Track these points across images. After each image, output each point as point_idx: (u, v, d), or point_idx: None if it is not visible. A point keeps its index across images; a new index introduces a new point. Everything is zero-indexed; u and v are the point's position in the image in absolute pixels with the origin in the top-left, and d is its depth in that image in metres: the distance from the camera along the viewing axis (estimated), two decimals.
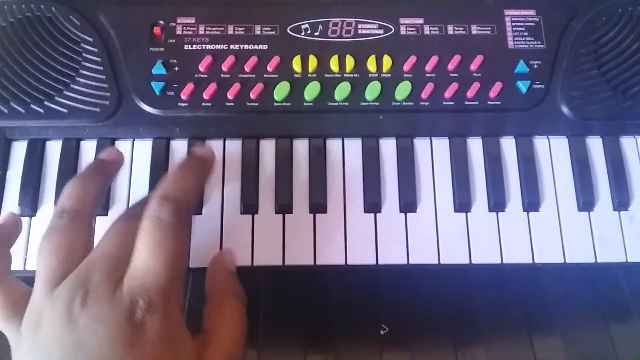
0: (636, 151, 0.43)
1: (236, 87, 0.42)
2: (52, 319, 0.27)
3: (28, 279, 0.37)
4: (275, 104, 0.43)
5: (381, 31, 0.44)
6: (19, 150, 0.42)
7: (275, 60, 0.43)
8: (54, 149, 0.42)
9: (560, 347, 0.43)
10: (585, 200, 0.41)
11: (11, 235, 0.35)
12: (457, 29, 0.44)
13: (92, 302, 0.27)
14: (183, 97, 0.42)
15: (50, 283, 0.29)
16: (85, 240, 0.31)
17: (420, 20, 0.45)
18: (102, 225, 0.40)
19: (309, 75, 0.43)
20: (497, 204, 0.41)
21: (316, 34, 0.44)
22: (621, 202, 0.42)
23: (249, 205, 0.41)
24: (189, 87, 0.42)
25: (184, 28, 0.44)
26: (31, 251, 0.40)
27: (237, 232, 0.40)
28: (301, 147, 0.43)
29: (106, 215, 0.41)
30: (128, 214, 0.33)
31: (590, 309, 0.44)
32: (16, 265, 0.39)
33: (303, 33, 0.44)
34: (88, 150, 0.42)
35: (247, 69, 0.43)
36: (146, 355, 0.27)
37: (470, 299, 0.44)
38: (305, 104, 0.43)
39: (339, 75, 0.43)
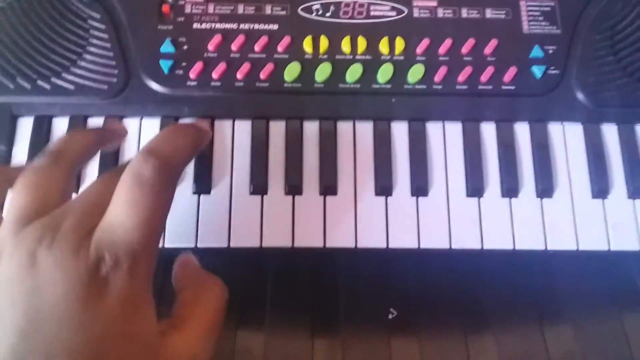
0: None
1: (246, 67, 0.42)
2: (12, 257, 0.26)
3: None
4: (285, 84, 0.42)
5: (394, 13, 0.44)
6: (25, 127, 0.41)
7: (286, 40, 0.42)
8: (60, 126, 0.42)
9: (571, 336, 0.42)
10: (600, 188, 0.41)
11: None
12: (471, 12, 0.44)
13: (57, 248, 0.25)
14: (192, 76, 0.41)
15: (20, 220, 0.27)
16: (64, 186, 0.29)
17: (434, 3, 0.44)
18: None
19: (320, 56, 0.42)
20: (510, 189, 0.41)
21: (328, 14, 0.43)
22: (636, 190, 0.41)
23: (259, 186, 0.40)
24: (198, 66, 0.41)
25: (193, 6, 0.43)
26: None
27: (246, 213, 0.39)
28: (312, 129, 0.42)
29: None
30: (116, 169, 0.31)
31: (602, 298, 0.43)
32: None
33: (314, 13, 0.43)
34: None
35: (257, 48, 0.42)
36: (101, 316, 0.25)
37: (480, 285, 0.43)
38: (316, 85, 0.42)
39: (351, 57, 0.42)
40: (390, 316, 0.42)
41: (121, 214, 0.26)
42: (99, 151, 0.36)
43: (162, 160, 0.28)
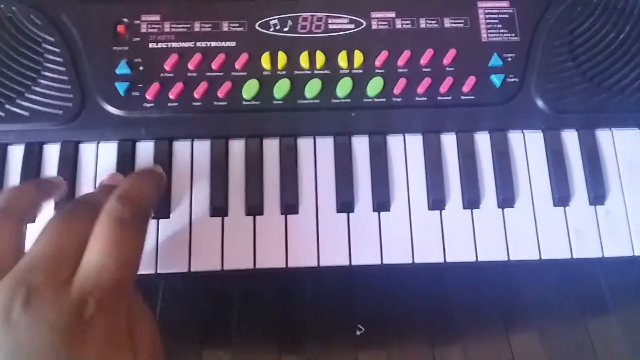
0: (612, 144, 0.43)
1: (203, 85, 0.41)
2: None
3: None
4: (244, 102, 0.42)
5: (352, 26, 0.43)
6: None
7: (244, 57, 0.42)
8: (15, 154, 0.41)
9: (538, 344, 0.42)
10: (561, 196, 0.41)
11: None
12: (429, 22, 0.43)
13: (36, 303, 0.26)
14: (148, 97, 0.41)
15: None
16: (17, 242, 0.30)
17: (392, 14, 0.44)
18: None
19: (279, 72, 0.42)
20: (471, 201, 0.41)
21: (285, 29, 0.43)
22: (597, 196, 0.41)
23: (218, 208, 0.40)
24: (155, 86, 0.41)
25: (149, 26, 0.43)
26: None
27: (207, 236, 0.39)
28: (272, 147, 0.42)
29: None
30: (64, 214, 0.31)
31: (567, 304, 0.44)
32: None
33: (272, 29, 0.43)
34: (51, 154, 0.41)
35: (214, 67, 0.42)
36: (90, 356, 0.26)
37: (446, 297, 0.44)
38: (275, 102, 0.42)
39: (309, 72, 0.42)
40: (357, 332, 0.42)
41: (105, 256, 0.28)
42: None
43: (136, 203, 0.30)
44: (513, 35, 0.43)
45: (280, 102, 0.42)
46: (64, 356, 0.25)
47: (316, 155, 0.42)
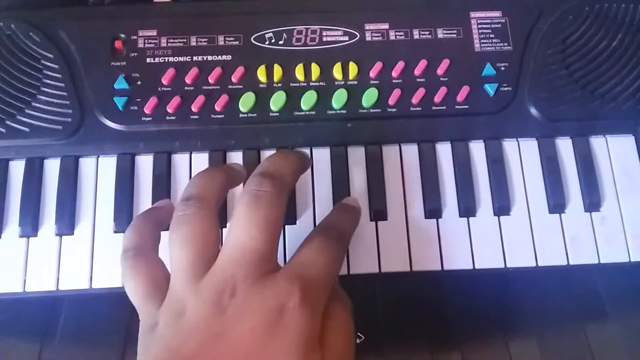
0: (606, 151, 0.43)
1: (200, 99, 0.42)
2: (197, 309, 0.28)
3: (28, 300, 0.39)
4: (241, 115, 0.42)
5: (346, 38, 0.44)
6: None
7: (240, 70, 0.43)
8: (17, 169, 0.42)
9: (537, 350, 0.43)
10: (556, 203, 0.41)
11: (165, 218, 0.35)
12: (422, 33, 0.44)
13: (241, 294, 0.28)
14: (146, 111, 0.42)
15: (192, 274, 0.29)
16: (215, 231, 0.31)
17: (386, 26, 0.44)
18: (68, 243, 0.40)
19: (275, 84, 0.43)
20: (467, 209, 0.41)
21: (280, 42, 0.44)
22: (592, 203, 0.41)
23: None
24: (152, 101, 0.42)
25: (146, 41, 0.43)
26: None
27: None
28: None
29: (72, 234, 0.40)
30: (250, 199, 0.31)
31: (565, 310, 0.44)
32: (15, 287, 0.39)
33: (267, 42, 0.44)
34: (52, 169, 0.42)
35: (211, 80, 0.42)
36: (284, 350, 0.27)
37: (444, 304, 0.44)
38: (271, 114, 0.42)
39: (305, 84, 0.43)
40: (357, 340, 0.43)
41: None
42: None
43: (272, 179, 0.32)
44: (506, 44, 0.44)
45: (277, 114, 0.42)
46: (259, 346, 0.27)
47: (313, 166, 0.42)
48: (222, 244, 0.30)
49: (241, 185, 0.37)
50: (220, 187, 0.33)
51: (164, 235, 0.33)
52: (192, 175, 0.41)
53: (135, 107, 0.42)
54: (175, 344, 0.27)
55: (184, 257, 0.30)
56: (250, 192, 0.31)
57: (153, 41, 0.43)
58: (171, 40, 0.43)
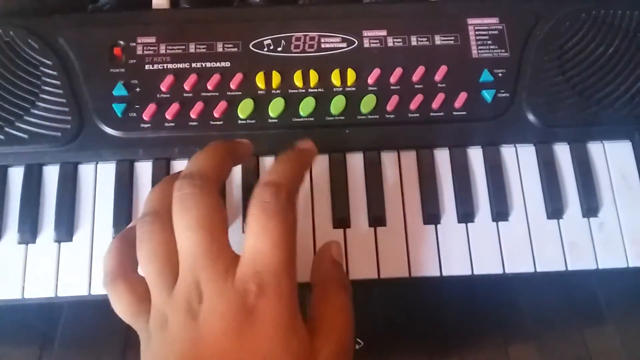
0: (603, 157, 0.43)
1: (199, 106, 0.42)
2: (175, 318, 0.28)
3: (27, 307, 0.39)
4: (239, 121, 0.42)
5: (344, 44, 0.44)
6: None
7: (238, 77, 0.43)
8: (16, 176, 0.42)
9: (535, 355, 0.43)
10: (554, 208, 0.41)
11: None
12: (420, 39, 0.44)
13: (207, 298, 0.28)
14: (145, 118, 0.42)
15: (163, 286, 0.29)
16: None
17: (384, 32, 0.44)
18: (67, 250, 0.40)
19: (273, 91, 0.43)
20: (465, 215, 0.41)
21: (279, 49, 0.44)
22: (590, 208, 0.41)
23: None
24: (151, 107, 0.42)
25: (145, 48, 0.43)
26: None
27: None
28: (268, 165, 0.42)
29: (71, 241, 0.40)
30: (210, 205, 0.31)
31: (564, 315, 0.44)
32: (14, 293, 0.39)
33: (266, 49, 0.44)
34: (51, 176, 0.42)
35: (209, 87, 0.43)
36: (260, 342, 0.27)
37: (443, 310, 0.44)
38: (270, 120, 0.42)
39: (303, 91, 0.43)
40: (356, 346, 0.43)
41: (256, 243, 0.29)
42: None
43: (277, 187, 0.31)
44: (503, 51, 0.44)
45: (275, 120, 0.42)
46: (235, 344, 0.27)
47: (311, 172, 0.42)
48: None
49: None
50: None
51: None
52: None
53: (134, 114, 0.42)
54: (163, 354, 0.28)
55: (152, 272, 0.30)
56: (257, 205, 0.30)
57: (152, 48, 0.43)
58: (170, 47, 0.44)
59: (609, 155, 0.43)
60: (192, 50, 0.44)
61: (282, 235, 0.29)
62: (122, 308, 0.31)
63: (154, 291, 0.30)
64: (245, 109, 0.42)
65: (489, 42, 0.44)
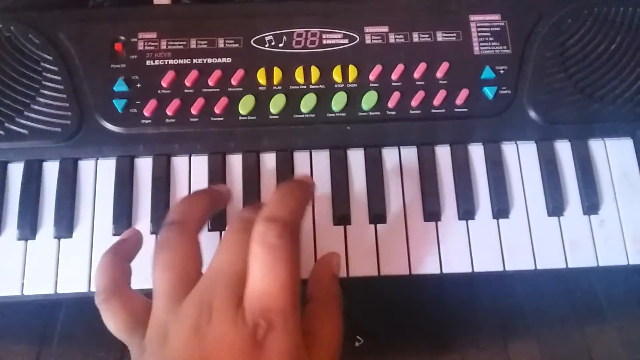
0: (605, 154, 0.43)
1: (200, 102, 0.42)
2: (179, 333, 0.28)
3: (26, 303, 0.39)
4: (240, 117, 0.42)
5: (346, 41, 0.44)
6: None
7: (240, 73, 0.43)
8: (15, 171, 0.42)
9: (536, 353, 0.43)
10: (555, 205, 0.41)
11: (133, 249, 0.35)
12: (422, 36, 0.44)
13: (217, 320, 0.28)
14: (146, 113, 0.41)
15: (173, 298, 0.29)
16: (196, 255, 0.32)
17: (385, 29, 0.44)
18: (66, 246, 0.40)
19: (274, 87, 0.43)
20: (466, 212, 0.41)
21: (280, 45, 0.44)
22: (591, 206, 0.41)
23: (217, 221, 0.40)
24: (152, 103, 0.42)
25: (146, 43, 0.43)
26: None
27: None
28: (269, 161, 0.42)
29: (70, 237, 0.40)
30: (238, 226, 0.32)
31: (564, 313, 0.44)
32: (14, 290, 0.39)
33: (267, 45, 0.44)
34: (51, 172, 0.42)
35: (210, 83, 0.42)
36: None
37: (444, 307, 0.44)
38: (271, 116, 0.42)
39: (305, 87, 0.43)
40: (357, 343, 0.43)
41: (263, 282, 0.29)
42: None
43: (282, 224, 0.30)
44: (505, 47, 0.44)
45: (277, 116, 0.42)
46: None
47: (312, 168, 0.42)
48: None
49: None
50: (202, 211, 0.34)
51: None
52: (191, 177, 0.42)
53: (135, 110, 0.42)
54: None
55: (165, 281, 0.30)
56: (261, 243, 0.30)
57: (153, 43, 0.43)
58: (171, 43, 0.43)
59: (610, 153, 0.43)
60: (193, 46, 0.43)
61: (289, 277, 0.29)
62: (117, 326, 0.31)
63: (159, 301, 0.30)
64: (246, 105, 0.42)
65: (491, 38, 0.44)
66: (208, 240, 0.40)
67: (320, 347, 0.31)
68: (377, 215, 0.41)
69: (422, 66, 0.43)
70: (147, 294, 0.31)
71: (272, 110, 0.42)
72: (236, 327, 0.28)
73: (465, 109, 0.42)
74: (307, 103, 0.42)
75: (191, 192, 0.40)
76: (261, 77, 0.43)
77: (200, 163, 0.42)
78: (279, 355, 0.28)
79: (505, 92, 0.43)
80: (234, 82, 0.42)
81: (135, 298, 0.32)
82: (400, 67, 0.43)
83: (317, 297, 0.34)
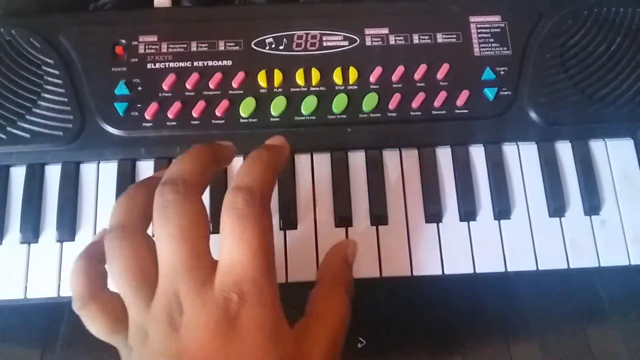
0: (605, 155, 0.43)
1: (201, 104, 0.42)
2: (156, 332, 0.28)
3: (29, 306, 0.39)
4: (241, 120, 0.42)
5: (346, 43, 0.44)
6: None
7: (240, 75, 0.43)
8: (17, 175, 0.42)
9: (538, 353, 0.43)
10: (556, 206, 0.41)
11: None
12: (422, 37, 0.44)
13: (187, 310, 0.27)
14: (147, 117, 0.42)
15: (142, 301, 0.29)
16: (146, 249, 0.30)
17: (385, 30, 0.44)
18: (69, 250, 0.40)
19: (275, 89, 0.43)
20: (467, 213, 0.41)
21: (281, 47, 0.44)
22: (592, 206, 0.41)
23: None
24: (153, 106, 0.42)
25: (146, 46, 0.43)
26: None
27: None
28: None
29: (73, 240, 0.40)
30: (160, 203, 0.29)
31: (566, 313, 0.44)
32: (17, 293, 0.39)
33: (267, 47, 0.44)
34: (53, 175, 0.42)
35: (211, 85, 0.42)
36: (246, 349, 0.27)
37: (446, 308, 0.44)
38: (272, 119, 0.42)
39: (305, 89, 0.43)
40: (359, 345, 0.43)
41: (233, 252, 0.28)
42: None
43: (249, 192, 0.29)
44: (505, 48, 0.44)
45: (277, 119, 0.42)
46: (221, 354, 0.26)
47: (313, 171, 0.42)
48: None
49: None
50: (140, 207, 0.32)
51: None
52: None
53: (136, 113, 0.42)
54: None
55: (127, 288, 0.29)
56: (229, 212, 0.29)
57: (154, 47, 0.43)
58: (172, 46, 0.44)
59: (611, 153, 0.43)
60: (193, 48, 0.44)
61: (259, 243, 0.28)
62: (98, 329, 0.30)
63: (131, 307, 0.29)
64: (247, 107, 0.42)
65: (491, 40, 0.44)
66: None
67: (320, 331, 0.30)
68: (379, 216, 0.41)
69: (422, 68, 0.43)
70: None
71: (273, 113, 0.42)
72: (205, 310, 0.27)
73: (466, 111, 0.42)
74: (308, 105, 0.42)
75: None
76: (262, 79, 0.43)
77: None
78: (252, 332, 0.27)
79: (506, 93, 0.43)
80: (234, 84, 0.43)
81: (112, 300, 0.31)
82: (400, 69, 0.43)
83: (324, 279, 0.34)
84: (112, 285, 0.30)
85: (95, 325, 0.30)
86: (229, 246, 0.28)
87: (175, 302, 0.28)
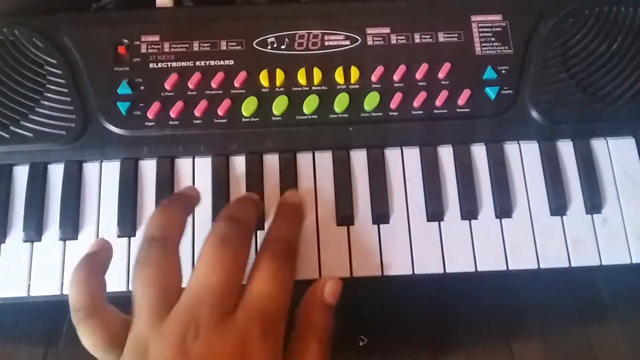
0: (607, 153, 0.43)
1: (203, 104, 0.42)
2: (160, 351, 0.28)
3: (32, 304, 0.40)
4: (243, 119, 0.42)
5: (348, 42, 0.44)
6: None
7: (242, 75, 0.43)
8: (21, 174, 0.42)
9: (539, 352, 0.43)
10: (558, 205, 0.41)
11: (106, 261, 0.34)
12: (424, 37, 0.44)
13: (205, 336, 0.28)
14: (150, 116, 0.42)
15: (155, 315, 0.29)
16: (177, 269, 0.32)
17: (387, 30, 0.44)
18: (72, 248, 0.40)
19: (277, 89, 0.43)
20: (469, 212, 0.41)
21: (282, 47, 0.44)
22: (593, 205, 0.41)
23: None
24: (156, 105, 0.42)
25: (149, 46, 0.44)
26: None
27: None
28: (272, 162, 0.42)
29: (76, 239, 0.40)
30: (216, 240, 0.32)
31: (568, 312, 0.44)
32: (20, 291, 0.39)
33: (269, 47, 0.44)
34: (55, 174, 0.42)
35: (213, 85, 0.43)
36: None
37: (447, 307, 0.44)
38: (274, 118, 0.42)
39: (307, 88, 0.43)
40: (360, 343, 0.43)
41: (265, 286, 0.30)
42: None
43: (288, 245, 0.35)
44: (506, 48, 0.44)
45: (279, 118, 0.42)
46: None
47: (315, 169, 0.42)
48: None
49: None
50: (180, 224, 0.34)
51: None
52: (195, 180, 0.42)
53: (139, 112, 0.42)
54: None
55: (147, 297, 0.30)
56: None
57: (156, 46, 0.44)
58: (174, 45, 0.44)
59: (613, 152, 0.43)
60: (196, 48, 0.44)
61: (288, 283, 0.31)
62: (95, 345, 0.30)
63: (141, 317, 0.29)
64: (249, 106, 0.42)
65: (493, 39, 0.44)
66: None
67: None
68: (380, 215, 0.41)
69: (424, 67, 0.43)
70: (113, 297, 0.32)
71: (274, 112, 0.42)
72: (224, 339, 0.28)
73: (468, 110, 0.43)
74: (310, 104, 0.42)
75: (163, 200, 0.36)
76: (264, 78, 0.43)
77: (204, 165, 0.42)
78: None
79: (507, 92, 0.43)
80: (236, 84, 0.43)
81: (113, 316, 0.31)
82: (402, 68, 0.43)
83: (304, 327, 0.33)
84: (131, 286, 0.31)
85: (93, 339, 0.30)
86: (262, 280, 0.30)
87: (194, 326, 0.28)
